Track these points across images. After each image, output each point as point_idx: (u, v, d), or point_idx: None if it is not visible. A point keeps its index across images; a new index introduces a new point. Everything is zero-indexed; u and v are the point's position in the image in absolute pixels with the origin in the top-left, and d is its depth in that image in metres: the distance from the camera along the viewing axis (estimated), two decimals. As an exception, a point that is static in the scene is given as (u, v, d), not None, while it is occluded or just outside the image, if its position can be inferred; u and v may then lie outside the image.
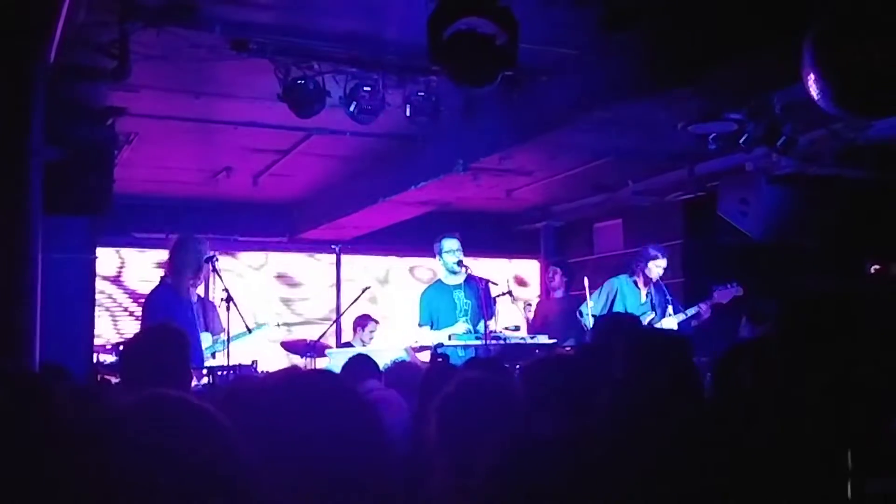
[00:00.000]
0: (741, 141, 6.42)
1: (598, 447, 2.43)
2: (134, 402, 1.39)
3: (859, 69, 3.85)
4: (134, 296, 9.94)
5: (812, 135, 6.64)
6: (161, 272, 9.45)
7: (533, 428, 2.32)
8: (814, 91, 4.00)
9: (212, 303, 6.42)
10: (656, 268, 7.41)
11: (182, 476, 1.35)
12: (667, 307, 7.37)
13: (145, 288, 9.80)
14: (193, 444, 1.40)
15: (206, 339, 5.81)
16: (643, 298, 7.48)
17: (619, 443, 2.49)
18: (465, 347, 6.37)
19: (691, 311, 7.30)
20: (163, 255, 9.77)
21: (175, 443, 1.38)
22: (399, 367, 5.15)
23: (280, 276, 10.80)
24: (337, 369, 6.17)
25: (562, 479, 2.10)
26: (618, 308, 7.38)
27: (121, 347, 5.88)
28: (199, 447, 1.40)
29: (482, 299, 6.90)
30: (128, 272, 9.98)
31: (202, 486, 1.35)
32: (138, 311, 9.81)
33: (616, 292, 7.49)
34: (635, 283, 7.52)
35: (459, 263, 6.99)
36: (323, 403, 1.79)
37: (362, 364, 4.71)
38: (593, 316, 7.24)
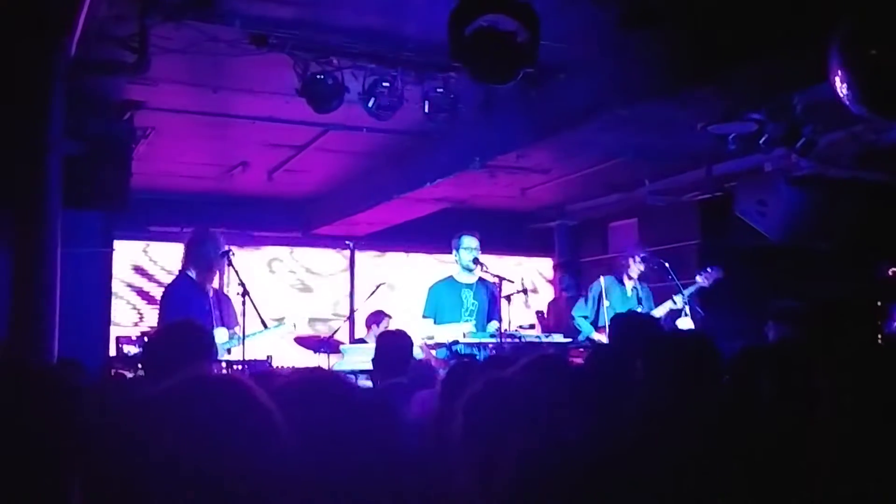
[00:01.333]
0: (761, 141, 6.38)
1: (622, 448, 2.41)
2: (168, 386, 1.36)
3: (887, 70, 3.81)
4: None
5: (832, 136, 6.59)
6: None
7: (554, 429, 2.30)
8: (841, 92, 3.96)
9: (227, 297, 6.40)
10: (636, 266, 7.54)
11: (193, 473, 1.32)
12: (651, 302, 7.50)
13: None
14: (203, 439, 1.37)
15: (221, 335, 5.80)
16: (629, 293, 7.55)
17: (644, 443, 2.47)
18: (480, 346, 6.36)
19: (679, 299, 7.37)
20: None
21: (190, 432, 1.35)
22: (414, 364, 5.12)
23: (292, 272, 10.81)
24: (348, 366, 6.18)
25: (587, 479, 2.09)
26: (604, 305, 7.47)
27: (146, 339, 5.88)
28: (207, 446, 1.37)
29: (492, 302, 6.89)
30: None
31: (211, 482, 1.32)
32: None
33: (600, 292, 7.53)
34: (620, 280, 7.61)
35: (475, 261, 6.96)
36: (339, 403, 1.78)
37: (397, 340, 4.69)
38: (584, 317, 7.49)
